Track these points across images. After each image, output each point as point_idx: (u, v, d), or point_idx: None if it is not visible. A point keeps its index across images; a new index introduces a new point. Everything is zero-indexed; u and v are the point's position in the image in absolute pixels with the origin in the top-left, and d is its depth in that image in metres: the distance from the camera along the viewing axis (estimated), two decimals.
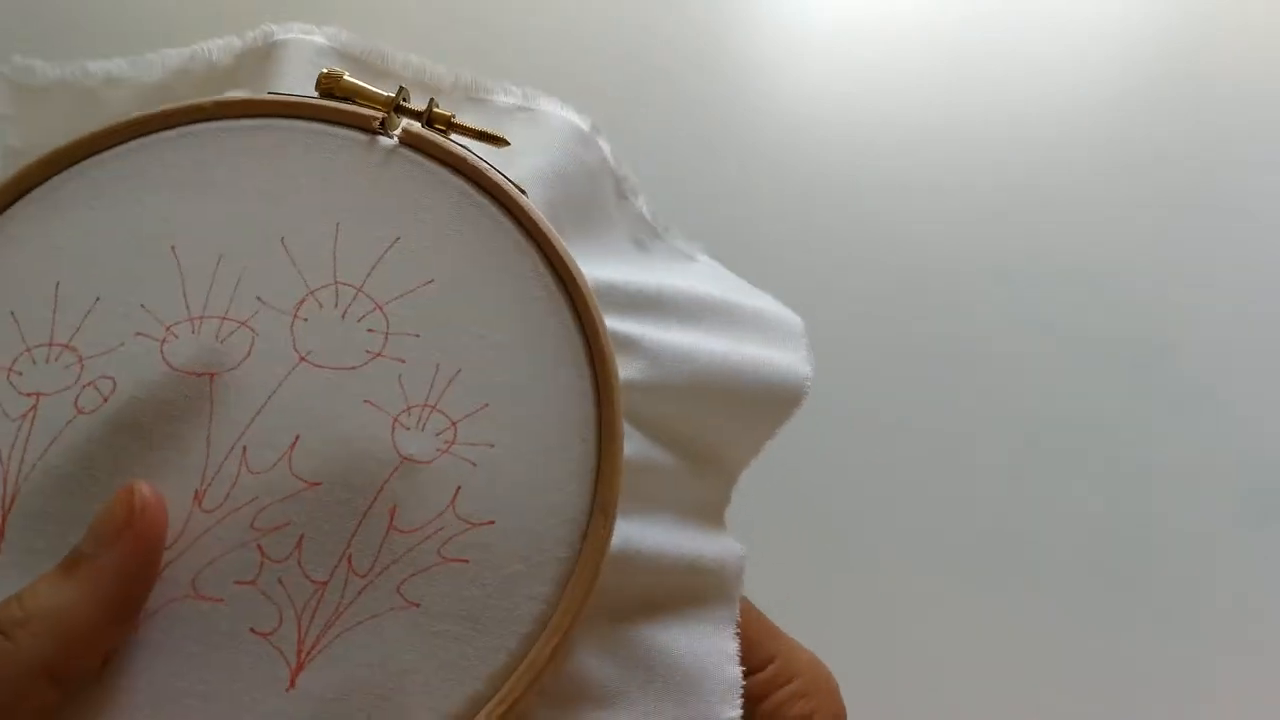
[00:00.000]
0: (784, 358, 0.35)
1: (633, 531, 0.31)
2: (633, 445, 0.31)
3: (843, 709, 0.36)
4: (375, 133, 0.32)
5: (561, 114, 0.36)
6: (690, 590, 0.32)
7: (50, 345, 0.30)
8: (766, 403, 0.34)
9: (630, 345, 0.32)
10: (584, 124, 0.36)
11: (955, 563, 0.75)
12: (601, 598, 0.30)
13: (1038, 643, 0.74)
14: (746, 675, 0.32)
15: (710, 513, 0.34)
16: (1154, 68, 0.93)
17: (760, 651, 0.34)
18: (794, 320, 0.37)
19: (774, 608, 0.36)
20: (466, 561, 0.28)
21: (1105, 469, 0.78)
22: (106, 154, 0.32)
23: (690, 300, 0.35)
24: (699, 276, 0.37)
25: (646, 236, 0.38)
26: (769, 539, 0.67)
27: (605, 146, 0.36)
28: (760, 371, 0.34)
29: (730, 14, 0.92)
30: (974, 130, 0.89)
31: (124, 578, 0.27)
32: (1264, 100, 0.91)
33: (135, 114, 0.32)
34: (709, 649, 0.32)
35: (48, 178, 0.31)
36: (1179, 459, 0.78)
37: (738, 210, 0.84)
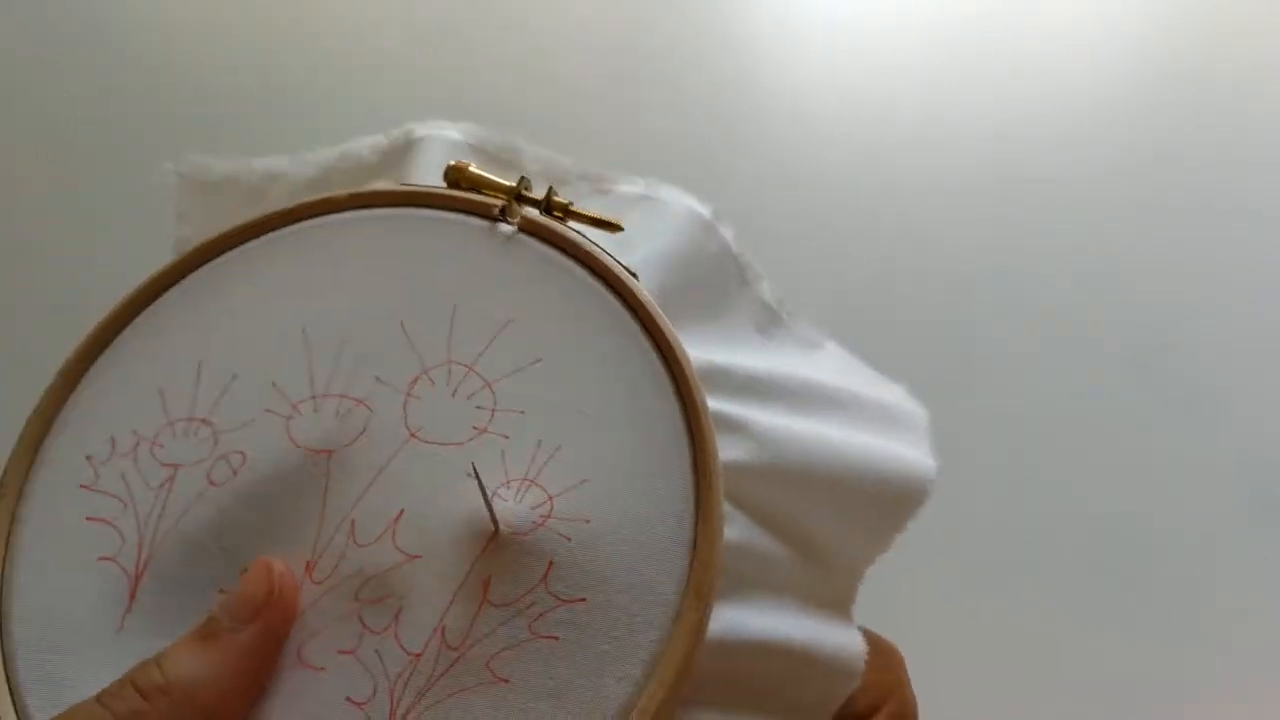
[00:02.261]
0: (905, 451, 0.34)
1: (736, 617, 0.30)
2: (736, 529, 0.31)
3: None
4: (495, 219, 0.33)
5: (683, 201, 0.36)
6: (799, 680, 0.31)
7: (190, 420, 0.32)
8: (884, 496, 0.33)
9: (738, 427, 0.32)
10: (705, 211, 0.36)
11: (955, 563, 0.73)
12: (704, 683, 0.29)
13: (1038, 643, 0.72)
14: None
15: (828, 604, 0.33)
16: (1154, 67, 0.92)
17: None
18: (919, 413, 0.36)
19: None
20: (557, 639, 0.28)
21: (1106, 469, 0.77)
22: (254, 243, 0.34)
23: (806, 387, 0.34)
24: (823, 365, 0.37)
25: (770, 324, 0.37)
26: None
27: (728, 233, 0.37)
28: (877, 463, 0.33)
29: (730, 13, 0.93)
30: (975, 129, 0.89)
31: (260, 653, 0.28)
32: (1264, 100, 0.91)
33: (277, 208, 0.34)
34: None
35: (202, 264, 0.34)
36: (1180, 458, 0.77)
37: (736, 208, 0.83)
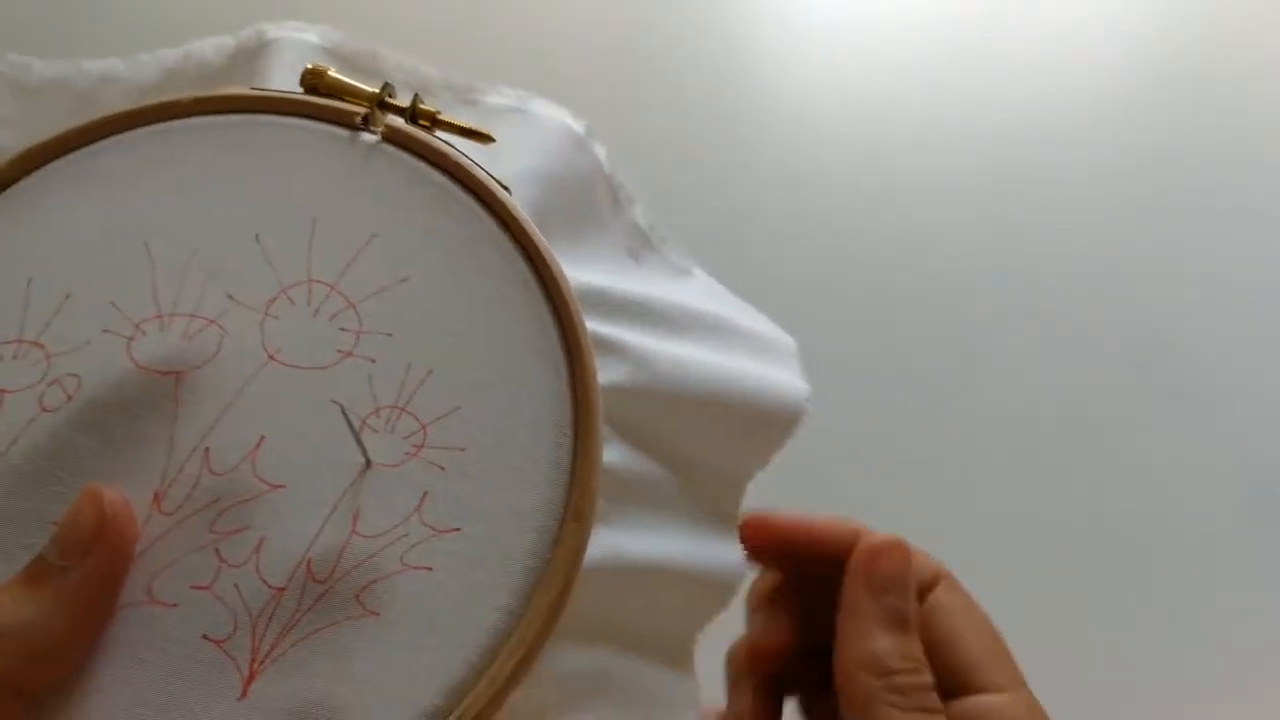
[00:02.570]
0: (779, 375, 0.34)
1: (615, 540, 0.29)
2: (616, 453, 0.30)
3: None
4: (357, 129, 0.31)
5: (555, 116, 0.35)
6: (678, 599, 0.31)
7: (19, 342, 0.29)
8: (762, 419, 0.33)
9: (615, 349, 0.31)
10: (578, 127, 0.35)
11: (955, 564, 0.72)
12: (584, 609, 0.28)
13: (1037, 643, 0.71)
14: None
15: (708, 521, 0.33)
16: (1154, 67, 0.93)
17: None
18: (787, 341, 0.36)
19: None
20: (430, 569, 0.27)
21: (1106, 469, 0.77)
22: (82, 151, 0.31)
23: (681, 312, 0.34)
24: (693, 291, 0.36)
25: (641, 247, 0.36)
26: None
27: (601, 151, 0.35)
28: (754, 386, 0.33)
29: (730, 13, 0.93)
30: (975, 129, 0.89)
31: (95, 592, 0.26)
32: (1264, 100, 0.90)
33: (110, 111, 0.31)
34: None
35: (25, 174, 0.31)
36: (1180, 458, 0.77)
37: (736, 208, 0.83)
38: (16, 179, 0.31)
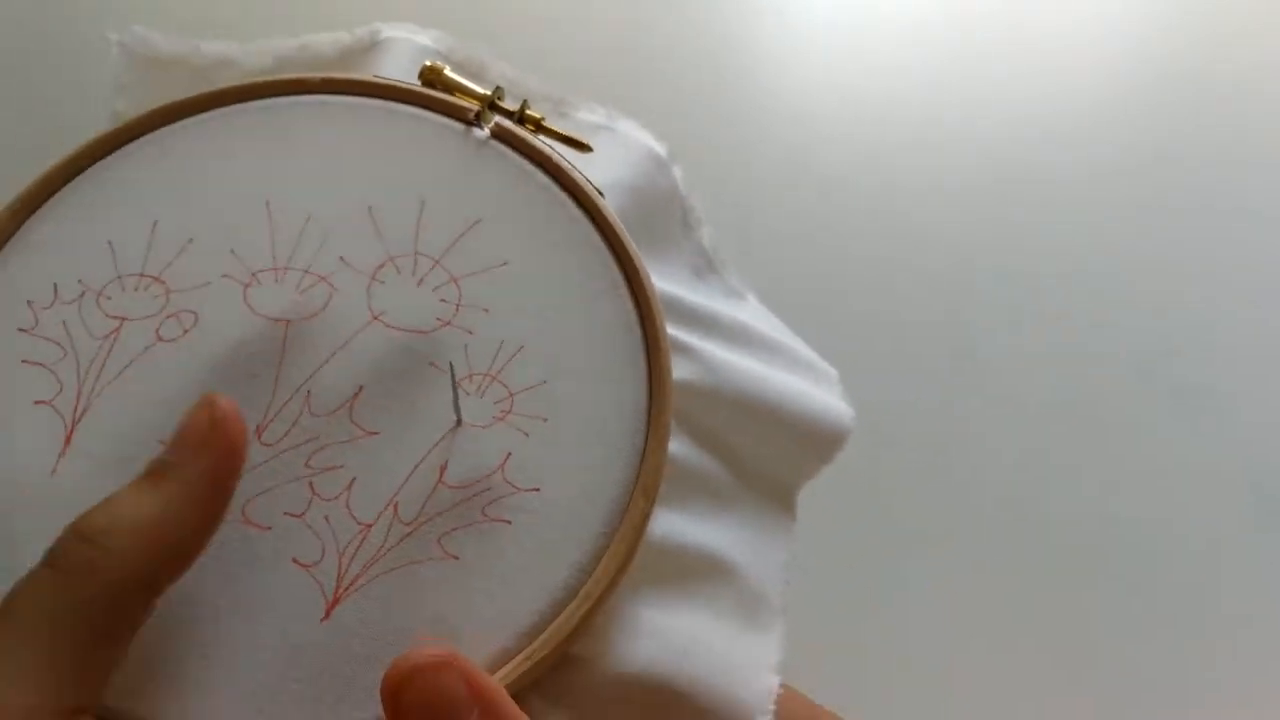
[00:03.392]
0: (828, 398, 0.37)
1: (675, 524, 0.32)
2: (679, 446, 0.32)
3: None
4: (470, 124, 0.34)
5: (640, 136, 0.38)
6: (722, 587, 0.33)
7: (141, 276, 0.31)
8: (813, 433, 0.35)
9: (686, 351, 0.33)
10: (661, 149, 0.38)
11: (957, 565, 0.74)
12: (638, 580, 0.31)
13: (1042, 646, 0.72)
14: None
15: (758, 523, 0.35)
16: (1154, 67, 0.92)
17: None
18: (831, 371, 0.39)
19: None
20: (509, 523, 0.29)
21: (1109, 473, 0.77)
22: (217, 112, 0.34)
23: (743, 329, 0.36)
24: (748, 314, 0.39)
25: (705, 267, 0.39)
26: None
27: (678, 173, 0.38)
28: (807, 404, 0.35)
29: (730, 13, 0.93)
30: (976, 129, 0.88)
31: (211, 485, 0.26)
32: (1264, 100, 0.90)
33: (246, 81, 0.34)
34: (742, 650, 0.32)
35: (162, 125, 0.33)
36: (1184, 462, 0.77)
37: (737, 209, 0.83)
38: (154, 128, 0.33)
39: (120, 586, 0.25)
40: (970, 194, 0.86)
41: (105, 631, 0.25)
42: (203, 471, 0.26)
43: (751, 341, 0.36)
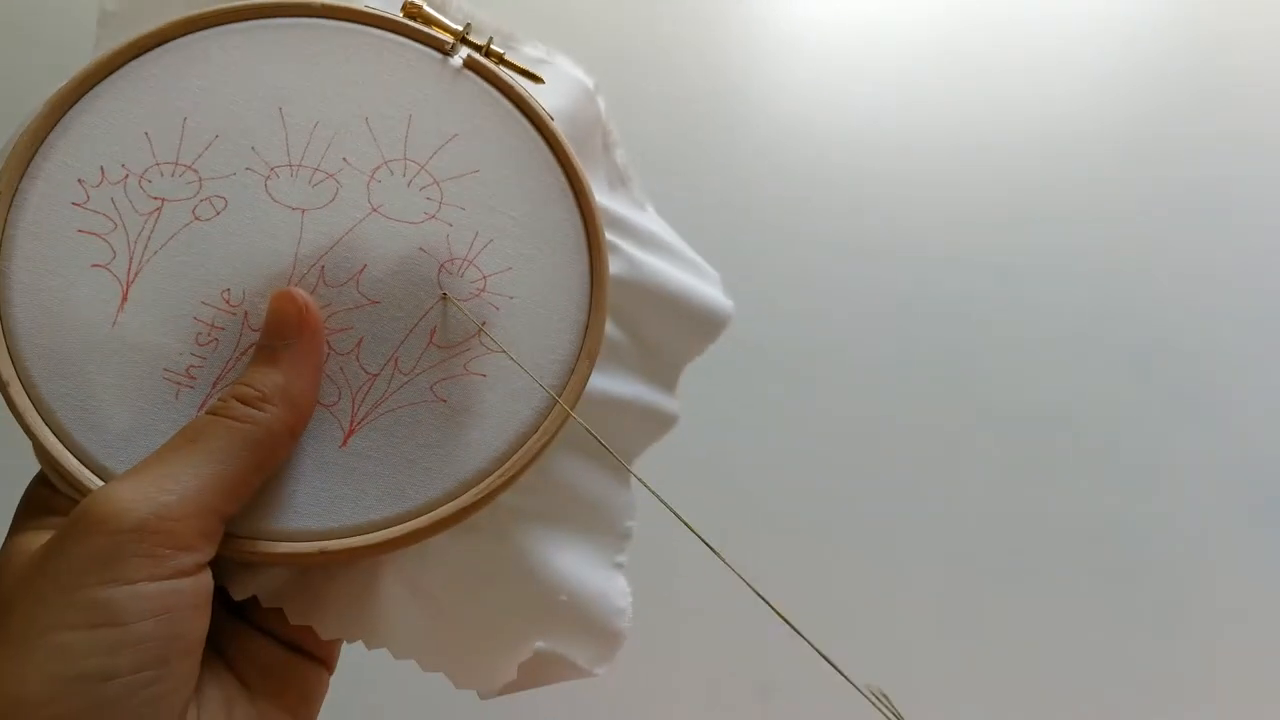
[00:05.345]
0: (713, 289, 0.46)
1: (602, 382, 0.41)
2: (606, 325, 0.41)
3: None
4: (446, 54, 0.41)
5: (573, 70, 0.46)
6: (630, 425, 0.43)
7: (176, 164, 0.38)
8: (702, 319, 0.45)
9: (614, 249, 0.42)
10: (589, 82, 0.46)
11: (956, 565, 0.76)
12: (573, 425, 0.40)
13: (1039, 645, 0.75)
14: None
15: (656, 383, 0.44)
16: (1154, 67, 0.92)
17: None
18: (713, 272, 0.48)
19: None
20: (484, 376, 0.37)
21: (1107, 470, 0.78)
22: (235, 25, 0.40)
23: (648, 232, 0.45)
24: (652, 221, 0.48)
25: (618, 181, 0.48)
26: (769, 538, 0.72)
27: (602, 103, 0.46)
28: (700, 295, 0.45)
29: (730, 13, 0.93)
30: (974, 129, 0.89)
31: (316, 359, 0.36)
32: (1264, 100, 0.90)
33: (258, 1, 0.40)
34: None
35: (186, 34, 0.39)
36: (1181, 460, 0.78)
37: (736, 209, 0.86)
38: (178, 36, 0.39)
39: (279, 437, 0.34)
40: (969, 194, 0.87)
41: (258, 465, 0.34)
42: (303, 348, 0.35)
43: (656, 242, 0.45)
